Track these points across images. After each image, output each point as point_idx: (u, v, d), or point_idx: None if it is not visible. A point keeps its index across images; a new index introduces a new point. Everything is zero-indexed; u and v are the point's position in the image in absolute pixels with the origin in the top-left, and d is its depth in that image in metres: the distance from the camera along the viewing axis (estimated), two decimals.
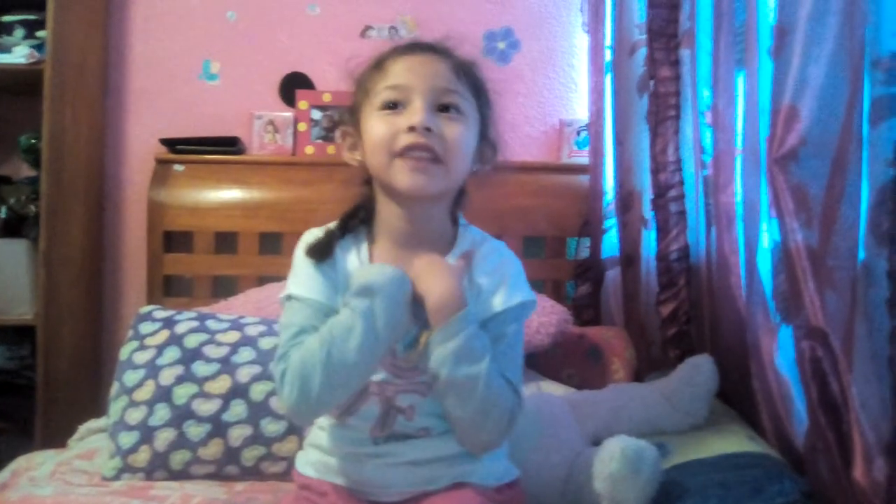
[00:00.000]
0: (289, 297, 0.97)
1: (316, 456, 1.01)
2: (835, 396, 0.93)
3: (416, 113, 0.91)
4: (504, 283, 0.97)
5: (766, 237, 1.19)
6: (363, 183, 1.02)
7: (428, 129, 0.91)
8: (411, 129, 0.90)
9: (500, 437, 0.94)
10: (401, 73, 0.94)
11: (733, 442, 1.19)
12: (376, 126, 0.93)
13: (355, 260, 0.98)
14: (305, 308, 0.95)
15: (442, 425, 0.96)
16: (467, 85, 0.97)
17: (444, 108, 0.94)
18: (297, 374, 0.89)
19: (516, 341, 0.98)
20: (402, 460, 0.95)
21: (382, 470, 0.96)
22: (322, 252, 0.97)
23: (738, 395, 1.34)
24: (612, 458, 1.00)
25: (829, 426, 0.94)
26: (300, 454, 1.06)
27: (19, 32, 1.89)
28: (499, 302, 0.96)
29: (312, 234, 1.01)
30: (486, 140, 1.00)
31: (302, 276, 0.98)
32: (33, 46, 1.85)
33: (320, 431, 1.02)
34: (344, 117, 1.03)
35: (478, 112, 0.98)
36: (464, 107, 0.95)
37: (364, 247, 0.99)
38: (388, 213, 0.98)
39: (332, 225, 1.02)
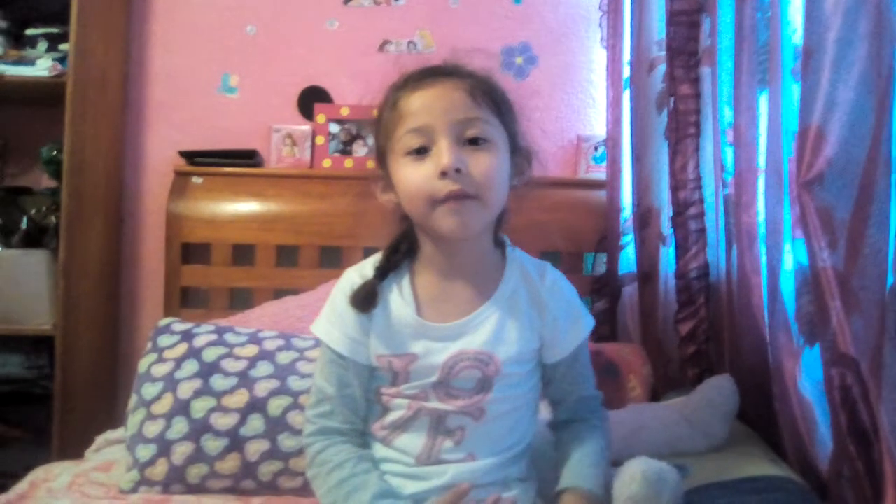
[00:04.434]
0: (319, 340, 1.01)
1: None
2: (864, 424, 0.92)
3: (442, 155, 0.88)
4: (577, 309, 1.01)
5: (790, 259, 1.18)
6: (401, 219, 1.00)
7: (458, 170, 0.88)
8: (443, 173, 0.88)
9: None
10: (418, 113, 0.91)
11: (754, 465, 1.18)
12: (408, 175, 0.91)
13: (398, 297, 0.98)
14: (330, 364, 0.99)
15: (487, 451, 0.95)
16: (487, 105, 0.92)
17: (470, 141, 0.90)
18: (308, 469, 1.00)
19: (588, 355, 1.04)
20: (443, 483, 0.94)
21: (423, 494, 0.95)
22: (366, 303, 0.97)
23: (759, 416, 1.33)
24: (633, 480, 0.99)
25: (858, 454, 0.93)
26: None
27: (42, 45, 1.92)
28: (581, 331, 1.00)
29: (352, 279, 1.00)
30: (518, 152, 0.97)
31: (336, 324, 0.99)
32: (56, 59, 1.88)
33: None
34: (372, 158, 1.02)
35: (503, 129, 0.94)
36: (489, 132, 0.92)
37: (406, 281, 0.98)
38: (430, 250, 0.98)
39: (373, 263, 1.00)
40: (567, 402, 1.03)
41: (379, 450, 0.99)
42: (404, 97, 0.93)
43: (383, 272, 0.98)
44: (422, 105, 0.91)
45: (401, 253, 0.99)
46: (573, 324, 0.99)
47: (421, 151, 0.90)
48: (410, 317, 0.96)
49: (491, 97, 0.94)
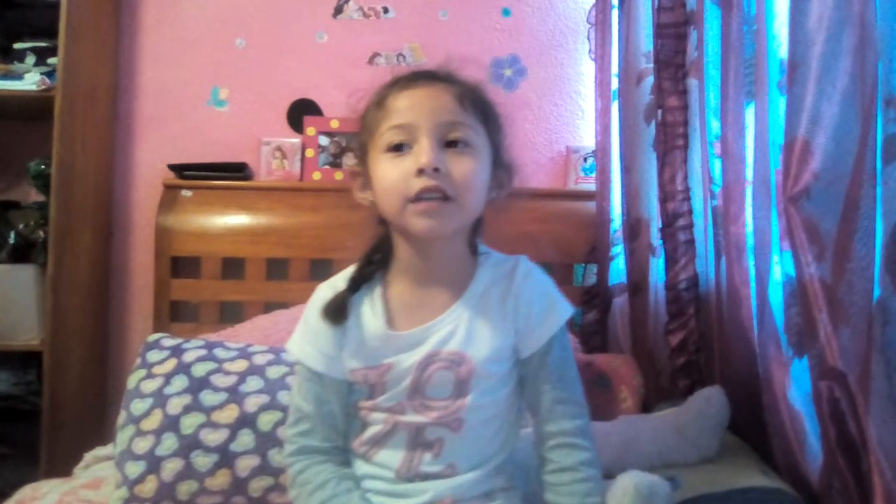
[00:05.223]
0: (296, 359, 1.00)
1: None
2: (853, 437, 0.93)
3: (422, 154, 0.88)
4: (552, 299, 0.98)
5: (778, 270, 1.18)
6: (378, 223, 1.00)
7: (436, 170, 0.87)
8: (420, 171, 0.87)
9: None
10: (404, 111, 0.90)
11: (746, 476, 1.18)
12: (386, 170, 0.90)
13: (369, 311, 0.97)
14: (306, 382, 0.99)
15: (468, 461, 0.95)
16: (474, 113, 0.92)
17: (451, 144, 0.90)
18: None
19: (572, 356, 1.00)
20: (426, 500, 0.93)
21: None
22: (336, 315, 0.96)
23: (749, 427, 1.34)
24: (626, 493, 0.98)
25: (847, 467, 0.93)
26: None
27: (31, 59, 1.91)
28: (556, 321, 0.96)
29: (324, 294, 0.99)
30: (500, 165, 0.96)
31: (310, 341, 0.98)
32: (44, 73, 1.87)
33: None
34: (352, 155, 1.02)
35: (488, 139, 0.94)
36: (472, 139, 0.91)
37: (378, 293, 0.98)
38: (404, 253, 0.97)
39: (344, 276, 1.00)
40: (544, 407, 0.96)
41: (360, 466, 0.98)
42: (392, 95, 0.92)
43: (355, 284, 0.98)
44: (408, 104, 0.91)
45: (374, 264, 0.99)
46: (547, 313, 0.96)
47: (401, 148, 0.90)
48: (381, 329, 0.95)
49: (479, 106, 0.93)
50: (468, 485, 0.94)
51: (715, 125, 1.42)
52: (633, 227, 1.76)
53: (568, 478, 0.93)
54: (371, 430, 0.97)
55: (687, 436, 1.26)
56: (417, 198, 0.88)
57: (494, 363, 0.95)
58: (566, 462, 0.94)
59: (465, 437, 0.94)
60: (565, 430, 0.95)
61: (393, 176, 0.89)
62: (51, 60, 1.88)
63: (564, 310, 0.98)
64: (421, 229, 0.90)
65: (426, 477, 0.95)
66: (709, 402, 1.28)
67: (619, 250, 1.87)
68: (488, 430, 0.96)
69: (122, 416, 1.36)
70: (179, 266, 1.98)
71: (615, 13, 1.86)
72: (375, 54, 2.11)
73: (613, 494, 0.99)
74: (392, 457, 0.95)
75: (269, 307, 1.89)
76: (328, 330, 0.96)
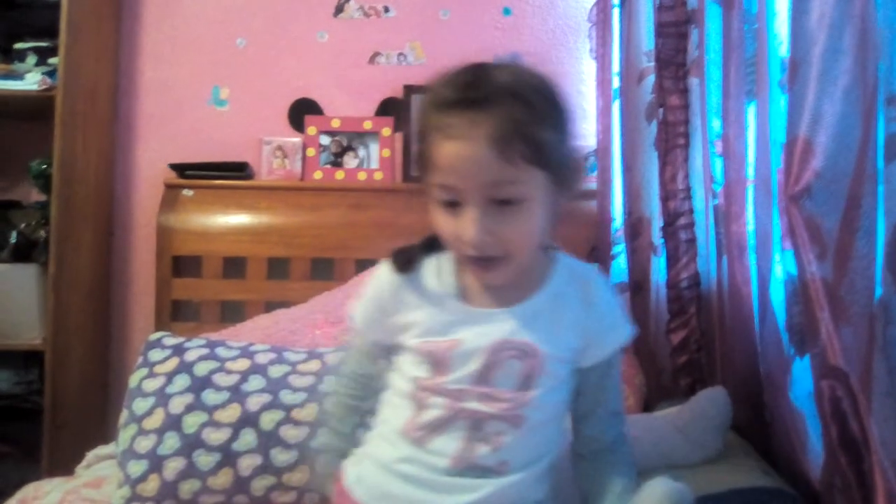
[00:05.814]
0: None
1: (374, 478, 0.96)
2: (855, 436, 0.93)
3: (468, 225, 0.86)
4: (620, 314, 1.00)
5: (779, 268, 1.18)
6: None
7: (484, 236, 0.86)
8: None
9: None
10: (447, 171, 0.87)
11: (747, 475, 1.18)
12: (440, 222, 0.90)
13: (436, 280, 0.96)
14: (354, 350, 1.06)
15: (521, 460, 0.92)
16: (519, 153, 0.83)
17: (500, 201, 0.86)
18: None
19: (620, 373, 1.04)
20: (473, 500, 0.91)
21: None
22: (402, 264, 0.97)
23: (751, 426, 1.34)
24: (653, 493, 0.97)
25: (849, 466, 0.93)
26: (351, 467, 1.01)
27: (31, 59, 1.92)
28: (621, 337, 0.99)
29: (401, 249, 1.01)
30: (563, 177, 0.90)
31: (363, 298, 1.03)
32: (45, 73, 1.87)
33: (387, 445, 0.97)
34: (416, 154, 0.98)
35: (542, 171, 0.86)
36: (520, 192, 0.85)
37: (451, 267, 0.97)
38: None
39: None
40: (594, 416, 0.99)
41: (405, 449, 0.94)
42: (436, 142, 0.87)
43: (429, 245, 0.97)
44: (449, 164, 0.86)
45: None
46: (616, 327, 0.98)
47: (450, 204, 0.88)
48: (451, 300, 0.95)
49: (524, 139, 0.84)
50: (514, 488, 0.92)
51: (716, 124, 1.42)
52: (635, 226, 1.76)
53: (601, 472, 0.98)
54: (429, 415, 0.93)
55: (689, 436, 1.26)
56: (468, 261, 0.90)
57: (560, 363, 0.95)
58: (605, 460, 0.99)
59: (523, 435, 0.92)
60: (608, 436, 1.00)
61: (447, 230, 0.90)
62: (51, 60, 1.89)
63: (629, 329, 1.00)
64: (480, 280, 0.93)
65: (479, 470, 0.92)
66: (712, 402, 1.27)
67: (620, 249, 1.87)
68: (544, 431, 0.95)
69: (123, 415, 1.36)
70: (181, 265, 1.99)
71: (616, 12, 1.86)
72: (376, 53, 2.11)
73: (644, 498, 0.96)
74: (449, 444, 0.92)
75: (270, 306, 1.89)
76: (390, 287, 0.98)
